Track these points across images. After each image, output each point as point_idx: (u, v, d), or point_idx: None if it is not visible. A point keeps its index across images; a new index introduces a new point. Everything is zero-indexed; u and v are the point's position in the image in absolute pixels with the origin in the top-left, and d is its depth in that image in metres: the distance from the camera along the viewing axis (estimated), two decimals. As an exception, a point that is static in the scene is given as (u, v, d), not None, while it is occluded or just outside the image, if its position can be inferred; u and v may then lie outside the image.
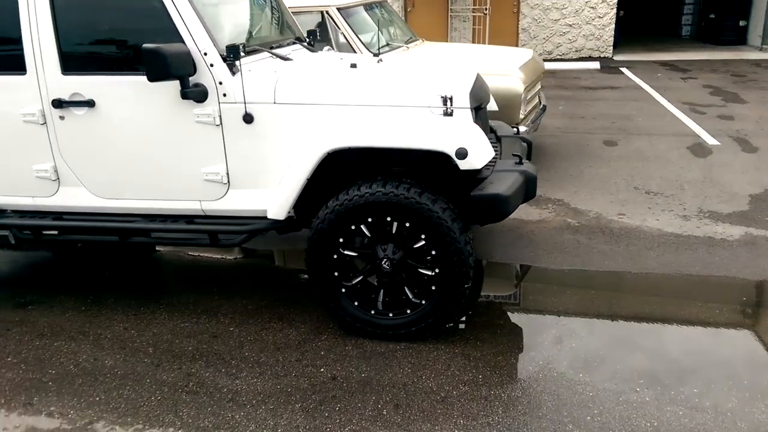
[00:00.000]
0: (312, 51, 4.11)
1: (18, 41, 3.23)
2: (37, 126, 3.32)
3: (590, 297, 3.61)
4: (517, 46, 13.65)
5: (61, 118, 3.28)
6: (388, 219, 3.00)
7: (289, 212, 3.18)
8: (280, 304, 3.61)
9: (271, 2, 4.03)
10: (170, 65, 2.89)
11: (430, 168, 3.25)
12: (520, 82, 5.40)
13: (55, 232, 3.58)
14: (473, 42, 13.71)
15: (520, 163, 3.32)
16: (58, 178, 3.41)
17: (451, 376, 2.88)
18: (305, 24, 5.88)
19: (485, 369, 2.94)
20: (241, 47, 3.11)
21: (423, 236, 2.98)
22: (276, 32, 3.96)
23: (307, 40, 4.27)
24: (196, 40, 3.06)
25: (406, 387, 2.81)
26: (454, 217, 2.95)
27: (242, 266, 4.21)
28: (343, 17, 5.77)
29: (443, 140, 2.89)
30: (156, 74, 2.89)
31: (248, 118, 3.12)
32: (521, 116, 5.49)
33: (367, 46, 5.75)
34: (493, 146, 3.78)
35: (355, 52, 5.74)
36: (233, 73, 3.10)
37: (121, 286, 3.93)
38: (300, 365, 3.00)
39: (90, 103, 3.23)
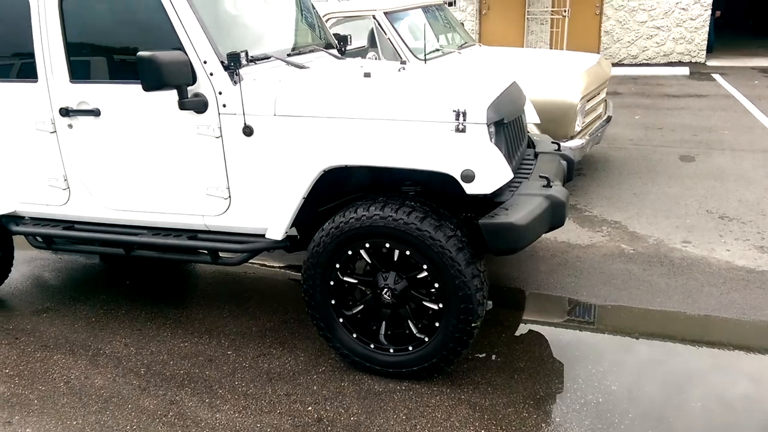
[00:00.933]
0: (339, 58, 3.88)
1: (31, 48, 3.20)
2: (48, 134, 3.28)
3: (631, 341, 3.14)
4: (598, 49, 12.89)
5: (70, 126, 3.23)
6: (387, 246, 2.70)
7: (287, 232, 2.95)
8: (286, 328, 3.39)
9: (298, 7, 3.84)
10: (165, 74, 2.73)
11: (443, 190, 2.92)
12: (576, 91, 4.93)
13: (65, 242, 3.55)
14: (551, 46, 13.08)
15: (548, 185, 2.92)
16: (69, 187, 3.37)
17: (450, 429, 2.54)
18: (358, 29, 5.69)
19: (490, 423, 2.57)
20: (243, 54, 2.92)
21: (425, 266, 2.66)
22: (300, 38, 3.76)
23: (337, 46, 4.06)
24: (196, 47, 2.90)
25: (396, 438, 2.51)
26: (460, 247, 2.61)
27: (263, 280, 4.04)
28: (390, 22, 5.51)
29: (447, 160, 2.57)
30: (151, 83, 2.74)
31: (248, 131, 2.93)
32: (577, 128, 5.03)
33: (413, 52, 5.46)
34: (528, 164, 3.41)
35: (401, 58, 5.47)
36: (234, 83, 2.91)
37: (137, 296, 3.86)
38: (288, 401, 2.76)
39: (95, 112, 3.15)
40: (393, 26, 5.51)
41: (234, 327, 3.43)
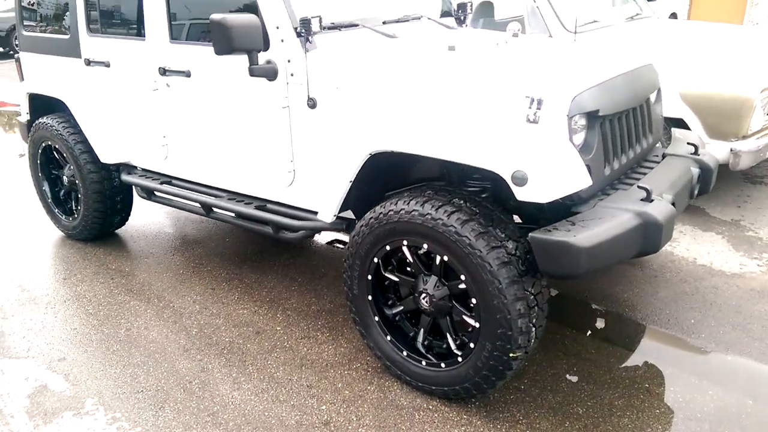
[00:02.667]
0: (450, 27, 3.51)
1: (142, 8, 3.33)
2: (151, 92, 3.42)
3: (740, 409, 2.45)
4: (844, 30, 10.48)
5: (167, 85, 3.32)
6: (425, 246, 2.36)
7: (335, 215, 2.75)
8: (343, 313, 3.22)
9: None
10: (235, 38, 2.62)
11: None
12: (755, 83, 3.97)
13: (168, 196, 3.71)
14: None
15: (649, 199, 2.33)
16: (167, 144, 3.50)
17: (460, 468, 2.19)
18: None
19: (510, 472, 2.17)
20: (316, 21, 2.71)
21: (462, 277, 2.29)
22: (406, 5, 3.45)
23: (455, 14, 3.69)
24: (270, 11, 2.77)
25: (396, 462, 2.23)
26: (504, 261, 2.19)
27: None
28: (541, -12, 4.90)
29: (498, 157, 2.15)
30: (221, 47, 2.65)
31: (311, 103, 2.74)
32: (752, 128, 4.07)
33: (563, 24, 4.81)
34: (646, 167, 2.80)
35: (548, 29, 4.87)
36: (306, 51, 2.73)
37: (228, 255, 3.96)
38: (306, 394, 2.60)
39: (187, 73, 3.19)
40: (544, -6, 4.89)
41: (295, 302, 3.35)
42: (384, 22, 3.16)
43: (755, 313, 3.14)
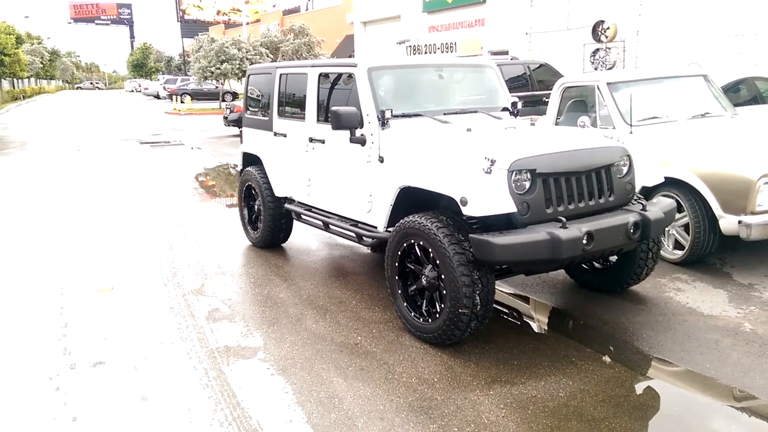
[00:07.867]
0: (498, 118, 5.11)
1: (304, 103, 5.51)
2: (304, 152, 5.53)
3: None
4: None
5: (313, 149, 5.40)
6: (420, 243, 3.96)
7: (385, 228, 4.46)
8: (398, 300, 4.84)
9: (470, 80, 5.28)
10: (342, 120, 4.58)
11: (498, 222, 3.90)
12: (759, 167, 4.86)
13: (308, 218, 5.73)
14: None
15: (564, 227, 3.67)
16: (310, 185, 5.56)
17: (415, 368, 3.67)
18: (584, 94, 6.63)
19: (445, 377, 3.59)
20: (389, 112, 4.56)
21: (437, 262, 3.83)
22: (464, 101, 5.16)
23: (510, 109, 5.29)
24: (365, 106, 4.68)
25: (384, 364, 3.78)
26: (458, 252, 3.70)
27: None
28: (610, 91, 6.22)
29: (456, 189, 3.72)
30: (335, 125, 4.63)
31: (381, 160, 4.56)
32: (760, 205, 4.91)
33: (624, 119, 6.04)
34: (599, 214, 4.08)
35: (612, 124, 6.13)
36: (383, 129, 4.58)
37: (345, 265, 5.83)
38: (352, 331, 4.27)
39: (323, 141, 5.24)
40: (612, 95, 6.20)
41: (371, 291, 5.06)
42: (444, 113, 4.90)
43: (702, 339, 4.07)
